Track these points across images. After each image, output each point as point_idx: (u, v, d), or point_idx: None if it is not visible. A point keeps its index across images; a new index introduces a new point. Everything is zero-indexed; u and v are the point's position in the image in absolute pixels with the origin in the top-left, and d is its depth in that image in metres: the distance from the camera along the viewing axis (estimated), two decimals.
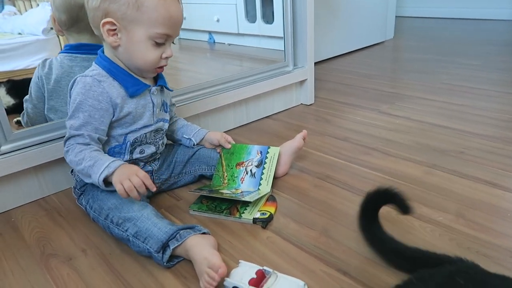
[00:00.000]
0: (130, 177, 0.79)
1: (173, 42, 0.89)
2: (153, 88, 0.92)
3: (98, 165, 0.81)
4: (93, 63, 0.89)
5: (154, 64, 0.87)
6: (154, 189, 0.82)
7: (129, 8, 0.80)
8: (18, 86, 1.62)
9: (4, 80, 1.67)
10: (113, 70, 0.87)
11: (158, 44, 0.85)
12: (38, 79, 1.04)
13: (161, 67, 0.89)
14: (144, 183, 0.79)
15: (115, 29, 0.82)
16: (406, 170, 1.07)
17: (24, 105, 1.09)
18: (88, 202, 0.89)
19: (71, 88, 0.86)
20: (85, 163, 0.81)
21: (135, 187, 0.78)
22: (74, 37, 1.04)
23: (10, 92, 1.62)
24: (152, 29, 0.82)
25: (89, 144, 0.84)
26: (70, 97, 0.86)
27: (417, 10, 3.95)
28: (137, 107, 0.89)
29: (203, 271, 0.70)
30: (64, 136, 0.86)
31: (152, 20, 0.81)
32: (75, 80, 0.86)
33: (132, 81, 0.88)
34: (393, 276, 0.70)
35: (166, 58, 0.87)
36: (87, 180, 0.84)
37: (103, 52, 0.89)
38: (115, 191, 0.81)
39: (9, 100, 1.60)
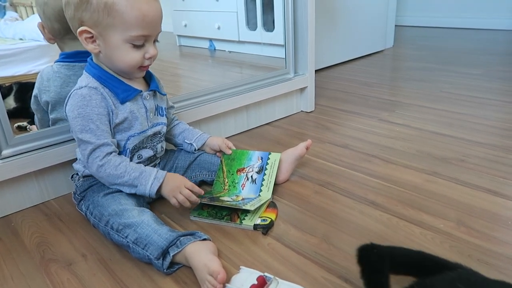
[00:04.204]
0: (180, 190, 0.87)
1: (157, 40, 0.88)
2: (145, 93, 0.92)
3: (145, 176, 0.86)
4: (84, 71, 0.89)
5: (137, 65, 0.86)
6: (202, 192, 0.91)
7: (100, 14, 0.79)
8: (22, 90, 1.62)
9: (10, 83, 1.67)
10: (103, 77, 0.87)
11: (137, 46, 0.84)
12: (37, 95, 1.02)
13: (145, 66, 0.88)
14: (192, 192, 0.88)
15: (92, 37, 0.82)
16: (407, 177, 1.07)
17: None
18: (88, 208, 0.89)
19: (67, 104, 0.86)
20: (129, 175, 0.85)
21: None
22: (69, 44, 1.01)
23: (15, 94, 1.62)
24: (127, 33, 0.81)
25: (116, 151, 0.87)
26: (67, 113, 0.86)
27: (416, 20, 3.97)
28: (132, 112, 0.89)
29: (204, 279, 0.69)
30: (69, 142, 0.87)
31: (126, 23, 0.80)
32: (70, 95, 0.86)
33: (122, 87, 0.88)
34: (394, 283, 0.70)
35: (150, 58, 0.87)
36: (127, 191, 0.87)
37: (92, 60, 0.89)
38: (116, 193, 0.86)
39: (10, 103, 1.60)
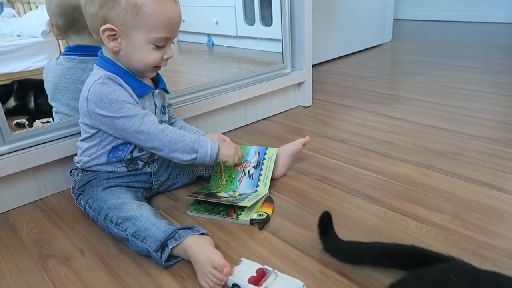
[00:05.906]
0: (236, 151, 0.96)
1: (172, 42, 0.90)
2: (156, 91, 0.94)
3: (203, 139, 0.91)
4: (95, 65, 0.89)
5: (154, 65, 0.88)
6: (243, 155, 1.02)
7: (128, 14, 0.80)
8: (21, 88, 1.63)
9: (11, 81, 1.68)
10: (118, 72, 0.87)
11: (158, 47, 0.85)
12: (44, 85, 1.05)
13: (159, 67, 0.90)
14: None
15: (115, 34, 0.83)
16: (403, 171, 1.08)
17: None
18: (88, 202, 0.90)
19: (88, 100, 0.85)
20: (190, 138, 0.89)
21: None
22: (73, 39, 1.04)
23: (15, 94, 1.62)
24: (152, 34, 0.82)
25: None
26: (95, 109, 0.84)
27: (415, 13, 3.96)
28: (145, 108, 0.90)
29: (206, 271, 0.70)
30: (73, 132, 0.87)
31: (152, 25, 0.82)
32: (89, 90, 0.84)
33: (137, 82, 0.89)
34: (389, 276, 0.71)
35: (167, 59, 0.88)
36: (185, 158, 0.89)
37: (102, 53, 0.90)
38: (115, 188, 0.88)
39: (10, 102, 1.61)
